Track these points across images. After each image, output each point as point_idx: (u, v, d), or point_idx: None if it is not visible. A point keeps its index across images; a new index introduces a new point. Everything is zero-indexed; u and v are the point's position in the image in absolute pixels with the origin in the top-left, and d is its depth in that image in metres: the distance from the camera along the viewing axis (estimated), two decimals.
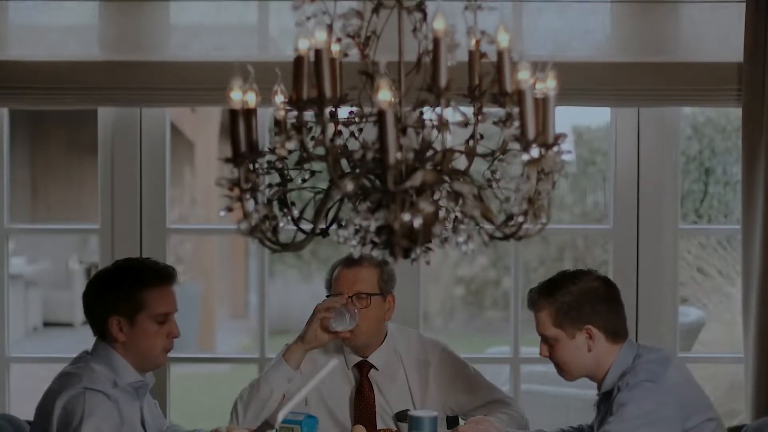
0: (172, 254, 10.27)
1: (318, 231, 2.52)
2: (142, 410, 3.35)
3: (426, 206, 2.09)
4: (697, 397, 3.32)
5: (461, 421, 3.84)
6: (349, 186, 2.13)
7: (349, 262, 3.77)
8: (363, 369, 3.80)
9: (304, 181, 2.59)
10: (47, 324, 11.46)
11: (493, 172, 2.56)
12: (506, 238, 2.31)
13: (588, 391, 5.77)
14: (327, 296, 3.77)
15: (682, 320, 5.45)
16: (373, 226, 2.19)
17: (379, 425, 3.74)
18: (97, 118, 4.51)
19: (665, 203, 4.52)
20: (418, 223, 2.15)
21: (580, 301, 3.32)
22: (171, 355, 4.65)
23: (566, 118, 10.04)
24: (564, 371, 3.41)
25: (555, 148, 2.37)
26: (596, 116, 11.52)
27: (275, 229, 2.35)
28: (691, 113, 9.96)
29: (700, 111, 10.42)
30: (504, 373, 5.47)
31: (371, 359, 3.80)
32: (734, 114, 9.15)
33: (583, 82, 4.33)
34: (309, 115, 2.36)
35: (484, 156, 2.41)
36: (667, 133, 4.52)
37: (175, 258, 10.26)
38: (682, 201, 4.57)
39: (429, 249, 2.37)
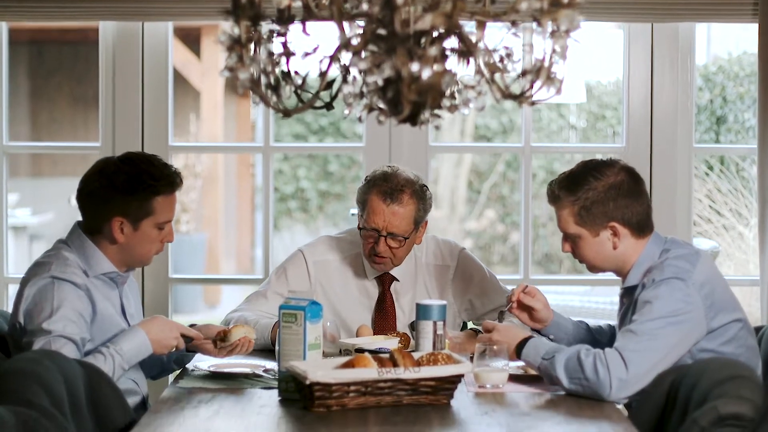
0: (178, 202, 10.18)
1: (322, 104, 2.43)
2: (122, 299, 3.31)
3: (434, 52, 1.98)
4: (725, 296, 3.15)
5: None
6: (355, 30, 2.02)
7: (387, 192, 3.54)
8: (385, 282, 3.72)
9: (306, 54, 2.50)
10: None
11: (505, 48, 2.47)
12: (517, 97, 2.21)
13: (598, 321, 5.69)
14: (354, 214, 3.69)
15: None
16: (380, 80, 2.09)
17: None
18: (99, 35, 4.43)
19: (679, 122, 4.43)
20: (426, 74, 2.05)
21: (604, 197, 3.14)
22: (176, 276, 4.65)
23: (576, 73, 9.93)
24: (588, 266, 3.28)
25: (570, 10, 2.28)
26: (606, 70, 11.38)
27: (277, 89, 2.25)
28: (701, 64, 9.82)
29: (711, 60, 10.29)
30: None
31: (393, 272, 3.71)
32: (747, 60, 9.02)
33: None
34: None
35: (495, 16, 2.30)
36: (681, 51, 4.42)
37: (180, 207, 10.16)
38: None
39: (437, 116, 2.28)
